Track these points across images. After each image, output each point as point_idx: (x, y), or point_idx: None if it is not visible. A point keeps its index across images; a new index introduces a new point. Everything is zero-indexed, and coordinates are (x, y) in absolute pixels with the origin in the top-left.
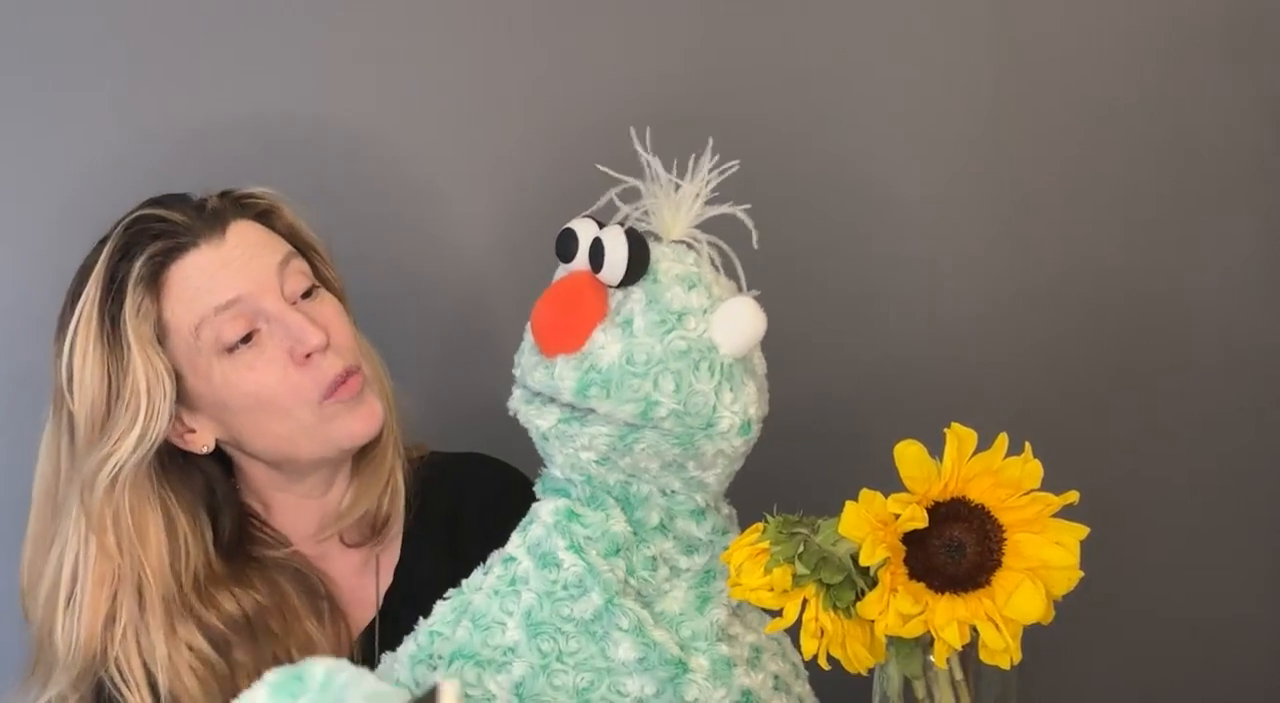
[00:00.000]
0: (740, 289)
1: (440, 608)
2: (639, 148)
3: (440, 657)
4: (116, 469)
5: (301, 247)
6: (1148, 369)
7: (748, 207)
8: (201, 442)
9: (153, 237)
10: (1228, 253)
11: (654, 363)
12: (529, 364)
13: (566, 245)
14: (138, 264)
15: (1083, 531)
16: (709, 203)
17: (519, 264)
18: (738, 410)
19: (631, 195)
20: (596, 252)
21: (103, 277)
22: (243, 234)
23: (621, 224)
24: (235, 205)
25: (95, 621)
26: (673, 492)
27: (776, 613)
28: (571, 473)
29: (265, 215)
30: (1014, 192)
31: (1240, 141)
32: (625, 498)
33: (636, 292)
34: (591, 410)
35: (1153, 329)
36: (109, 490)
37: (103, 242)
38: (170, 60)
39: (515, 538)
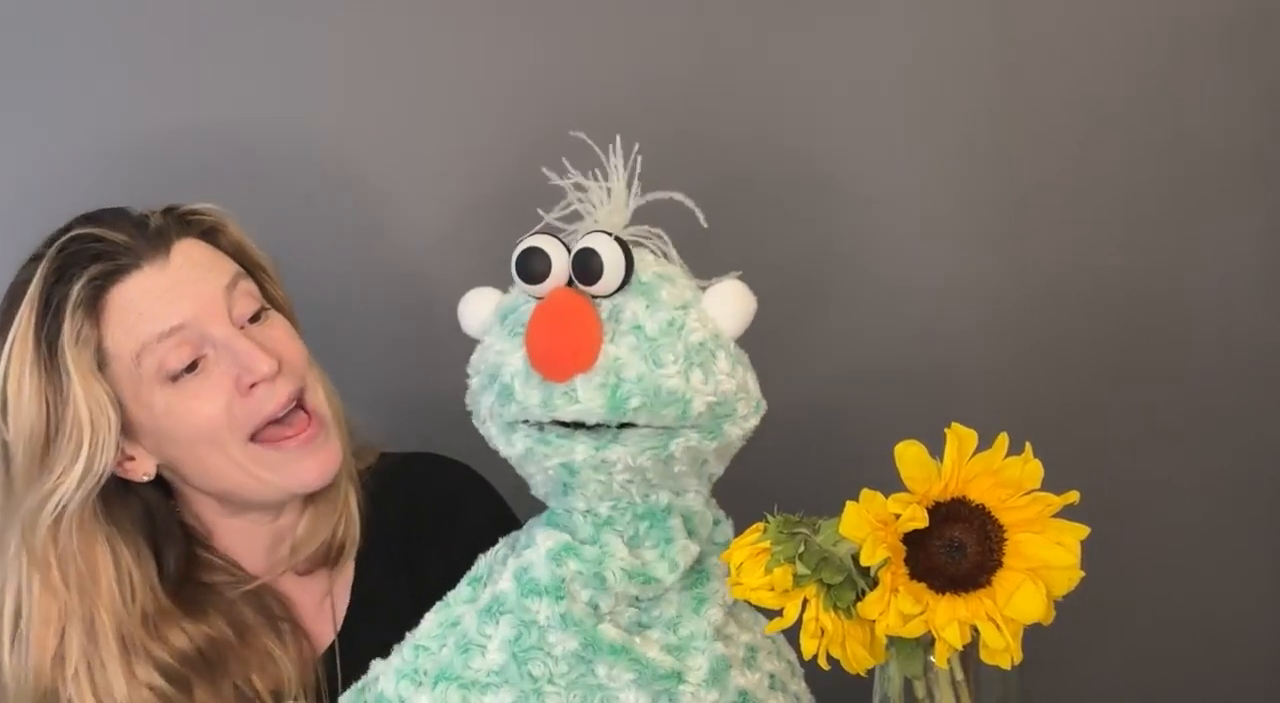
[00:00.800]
0: (687, 272)
1: (428, 622)
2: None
3: (425, 673)
4: (60, 507)
5: (249, 265)
6: (1148, 368)
7: (674, 196)
8: (142, 470)
9: (91, 257)
10: (1228, 253)
11: (680, 360)
12: (537, 398)
13: (536, 265)
14: (76, 287)
15: (1083, 530)
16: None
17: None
18: (751, 391)
19: (558, 195)
20: (585, 263)
21: (38, 300)
22: (188, 254)
23: (605, 232)
24: (179, 223)
25: (43, 658)
26: (684, 492)
27: (777, 613)
28: (599, 502)
29: (210, 233)
30: (1014, 191)
31: (1240, 141)
32: (649, 513)
33: (627, 296)
34: (626, 426)
35: (1153, 329)
36: (52, 528)
37: (34, 260)
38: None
39: (508, 558)
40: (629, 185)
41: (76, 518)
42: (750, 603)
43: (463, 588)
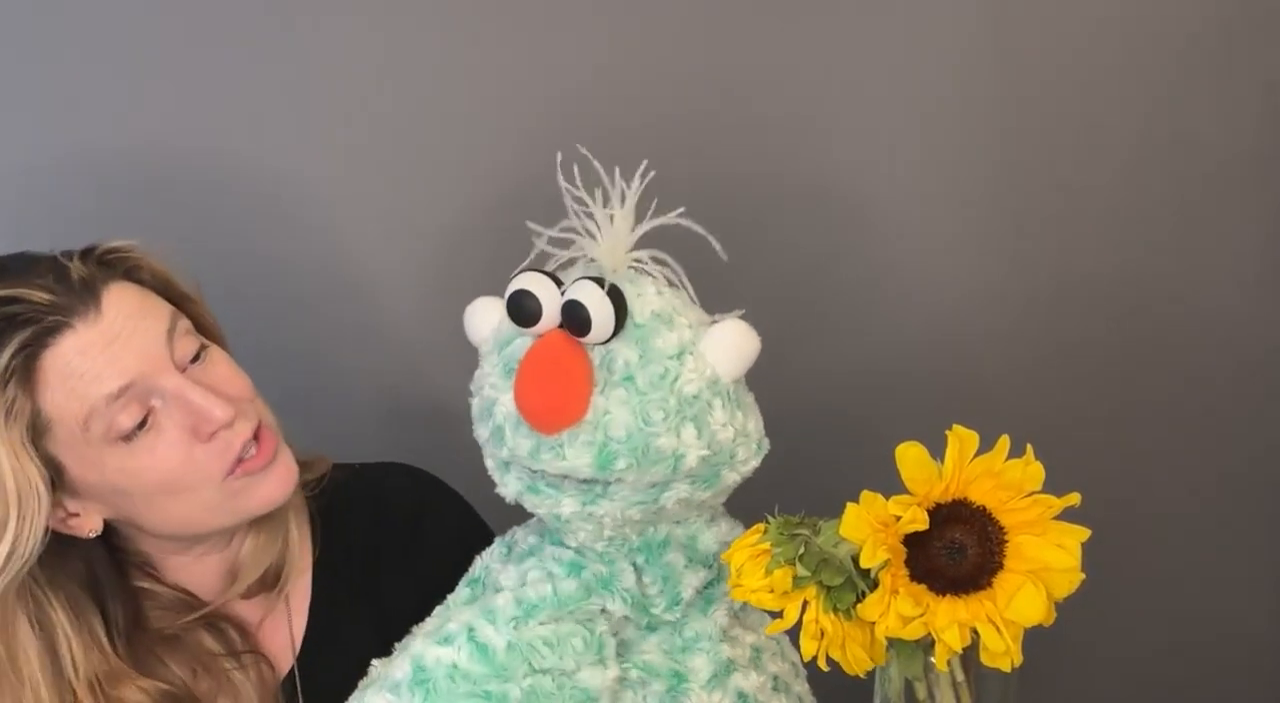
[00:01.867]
0: (693, 300)
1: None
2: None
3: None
4: None
5: (177, 299)
6: (1149, 369)
7: (681, 210)
8: (88, 526)
9: (13, 322)
10: (1231, 255)
11: (671, 416)
12: (526, 448)
13: (527, 309)
14: (3, 357)
15: (1084, 533)
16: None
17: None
18: (752, 433)
19: (559, 214)
20: (574, 316)
21: None
22: (119, 302)
23: (593, 279)
24: (101, 267)
25: None
26: (685, 521)
27: (777, 614)
28: (593, 543)
29: (134, 271)
30: (1016, 194)
31: (1240, 142)
32: (645, 547)
33: (621, 342)
34: (615, 481)
35: (1153, 329)
36: None
37: None
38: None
39: (506, 562)
40: (634, 212)
41: (21, 593)
42: (751, 604)
43: (461, 590)
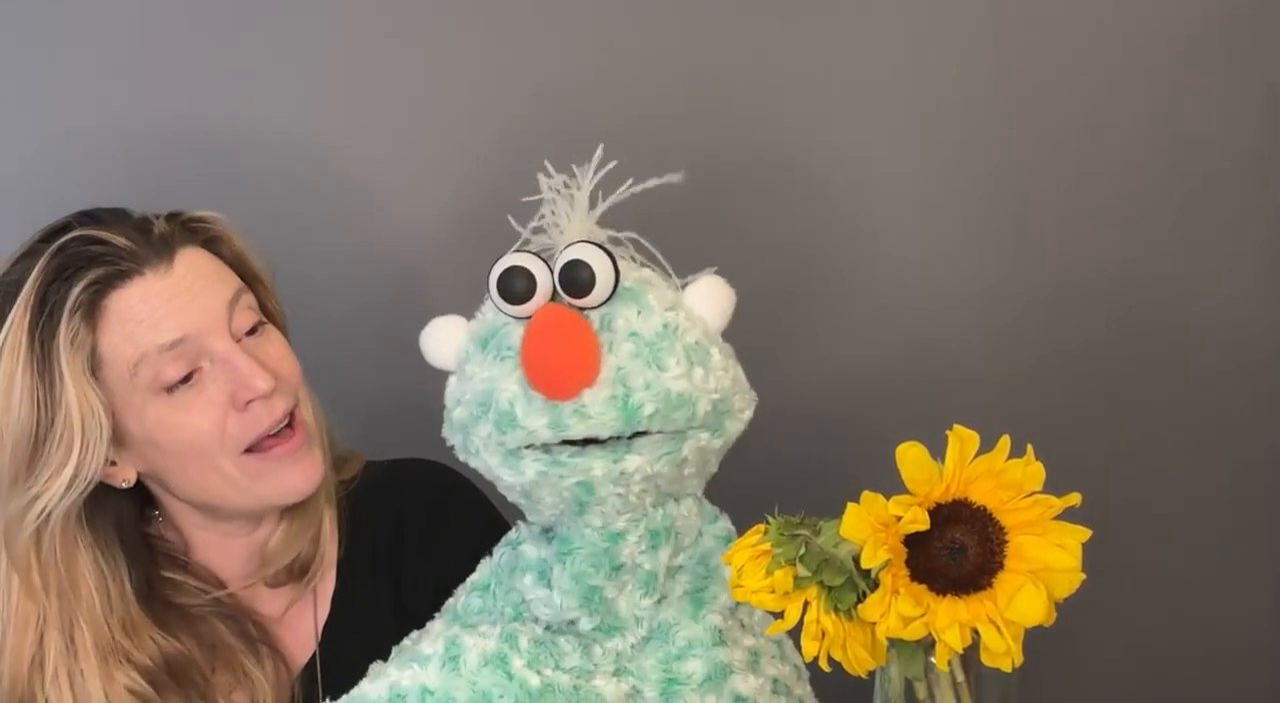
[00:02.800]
0: (669, 273)
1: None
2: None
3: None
4: (45, 512)
5: (248, 277)
6: (1150, 370)
7: (630, 181)
8: (123, 476)
9: (91, 260)
10: (1230, 255)
11: (682, 361)
12: (544, 420)
13: (519, 284)
14: (75, 290)
15: (1085, 533)
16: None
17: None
18: (743, 382)
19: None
20: (573, 276)
21: (33, 299)
22: (192, 263)
23: (589, 242)
24: (183, 230)
25: (20, 664)
26: (682, 497)
27: (778, 615)
28: (616, 517)
29: (213, 242)
30: (1014, 194)
31: (1241, 142)
32: (658, 530)
33: (613, 305)
34: (637, 435)
35: (1154, 330)
36: (35, 534)
37: (27, 257)
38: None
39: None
40: (594, 193)
41: (61, 523)
42: (752, 605)
43: (473, 600)
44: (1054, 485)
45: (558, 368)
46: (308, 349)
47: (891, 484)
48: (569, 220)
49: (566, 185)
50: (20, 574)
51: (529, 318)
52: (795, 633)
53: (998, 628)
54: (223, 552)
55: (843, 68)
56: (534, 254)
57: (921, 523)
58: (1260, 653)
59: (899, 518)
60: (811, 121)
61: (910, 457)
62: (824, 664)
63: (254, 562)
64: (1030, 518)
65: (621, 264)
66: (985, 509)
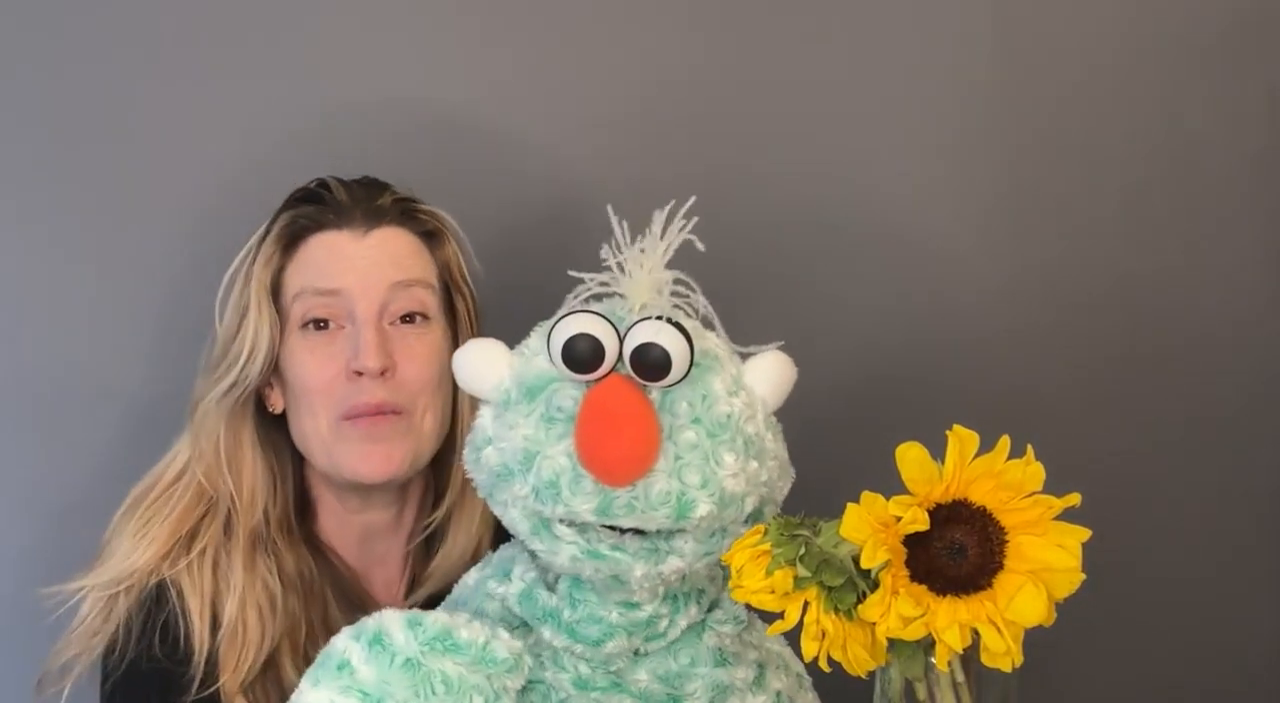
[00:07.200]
0: (716, 325)
1: None
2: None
3: None
4: (219, 397)
5: (448, 279)
6: (1151, 370)
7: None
8: (274, 400)
9: (310, 200)
10: (1233, 257)
11: (741, 456)
12: (592, 504)
13: (585, 353)
14: (284, 219)
15: (1084, 533)
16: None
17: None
18: (786, 466)
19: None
20: (648, 359)
21: (267, 223)
22: (386, 239)
23: (660, 317)
24: (402, 213)
25: (179, 528)
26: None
27: (778, 615)
28: (648, 602)
29: (429, 235)
30: (1015, 193)
31: (1245, 144)
32: (686, 593)
33: (680, 385)
34: (680, 531)
35: (1156, 331)
36: (214, 415)
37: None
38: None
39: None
40: (665, 251)
41: (231, 412)
42: (753, 608)
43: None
44: (1054, 486)
45: (616, 455)
46: None
47: (891, 484)
48: (640, 269)
49: (638, 237)
50: (198, 450)
51: (587, 385)
52: (794, 638)
53: (998, 628)
54: (339, 525)
55: (843, 68)
56: (600, 316)
57: (921, 523)
58: (1260, 653)
59: (899, 518)
60: (811, 125)
61: (910, 457)
62: (824, 665)
63: (366, 545)
64: (1030, 518)
65: (693, 332)
66: (985, 510)
